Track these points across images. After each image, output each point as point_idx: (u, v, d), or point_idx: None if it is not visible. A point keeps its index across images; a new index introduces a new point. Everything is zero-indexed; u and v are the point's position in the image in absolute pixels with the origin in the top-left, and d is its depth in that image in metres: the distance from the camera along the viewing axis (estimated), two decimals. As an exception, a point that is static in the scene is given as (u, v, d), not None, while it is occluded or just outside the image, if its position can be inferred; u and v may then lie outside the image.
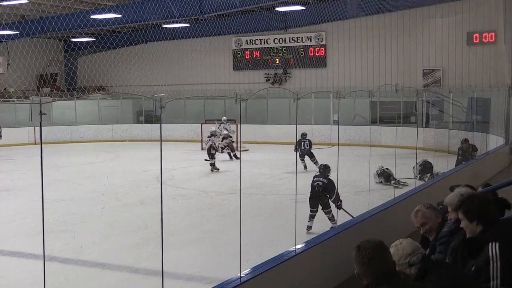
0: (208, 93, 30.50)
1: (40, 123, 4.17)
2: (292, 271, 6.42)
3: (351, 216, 9.17)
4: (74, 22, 24.26)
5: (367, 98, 24.66)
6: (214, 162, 18.89)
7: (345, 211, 10.03)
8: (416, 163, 15.68)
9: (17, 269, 8.78)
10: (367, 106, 25.85)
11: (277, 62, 30.21)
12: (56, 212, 11.81)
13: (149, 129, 30.05)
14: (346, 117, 25.38)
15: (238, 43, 31.01)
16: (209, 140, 19.51)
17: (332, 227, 10.14)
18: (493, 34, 24.50)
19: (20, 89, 29.15)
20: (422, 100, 24.26)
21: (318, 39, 29.12)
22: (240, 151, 17.83)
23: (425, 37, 26.20)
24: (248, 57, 30.88)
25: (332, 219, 10.35)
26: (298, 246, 6.78)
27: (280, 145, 24.27)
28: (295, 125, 20.22)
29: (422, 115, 24.56)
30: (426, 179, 15.01)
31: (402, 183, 14.83)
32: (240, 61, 31.12)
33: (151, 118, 31.04)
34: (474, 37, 24.99)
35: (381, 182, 15.41)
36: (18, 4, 22.25)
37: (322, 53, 29.14)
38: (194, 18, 25.46)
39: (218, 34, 28.23)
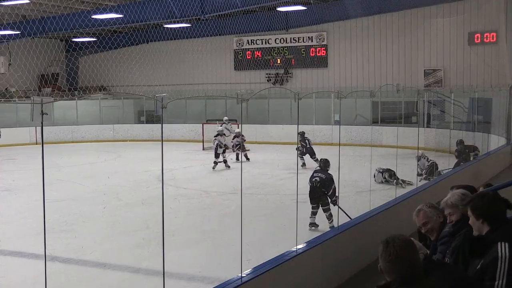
0: (210, 93, 30.50)
1: (42, 123, 4.17)
2: (293, 271, 6.42)
3: (349, 217, 9.11)
4: (75, 22, 24.28)
5: (368, 98, 24.72)
6: (226, 160, 19.33)
7: (341, 209, 10.00)
8: (427, 160, 15.75)
9: (18, 269, 8.79)
10: (368, 106, 25.87)
11: (278, 62, 30.20)
12: (57, 212, 11.82)
13: (150, 129, 30.05)
14: (348, 117, 25.37)
15: (239, 43, 31.01)
16: (215, 139, 19.66)
17: (330, 227, 10.16)
18: (494, 34, 24.48)
19: (22, 89, 29.17)
20: (424, 100, 24.24)
21: (320, 39, 29.11)
22: (241, 151, 17.87)
23: (426, 37, 26.18)
24: (250, 57, 30.87)
25: (329, 217, 10.37)
26: (299, 246, 6.78)
27: (281, 145, 24.27)
28: (297, 125, 20.22)
29: (424, 115, 24.54)
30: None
31: (408, 182, 14.82)
32: (242, 61, 31.11)
33: (152, 118, 31.04)
34: (476, 37, 24.97)
35: (385, 178, 15.37)
36: (19, 4, 22.25)
37: (323, 53, 29.13)
38: (195, 18, 25.45)
39: (219, 34, 28.25)
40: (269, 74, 30.55)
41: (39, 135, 26.65)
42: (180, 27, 28.44)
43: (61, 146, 26.51)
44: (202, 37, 29.41)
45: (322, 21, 28.10)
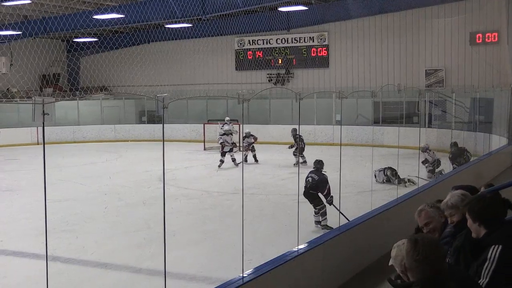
0: (211, 93, 30.52)
1: (43, 123, 4.18)
2: (294, 271, 6.42)
3: (345, 217, 9.05)
4: (76, 22, 24.32)
5: (370, 98, 24.69)
6: (234, 159, 19.58)
7: (336, 208, 9.97)
8: (434, 159, 15.82)
9: (20, 269, 8.79)
10: (369, 106, 25.85)
11: (280, 62, 30.21)
12: (58, 212, 11.83)
13: (152, 129, 30.06)
14: (349, 117, 25.38)
15: (240, 43, 31.02)
16: (220, 138, 20.01)
17: (323, 225, 10.17)
18: (496, 34, 24.47)
19: (23, 89, 29.19)
20: (425, 100, 24.24)
21: (321, 39, 29.11)
22: (243, 151, 17.86)
23: (427, 37, 26.18)
24: (251, 57, 30.87)
25: (322, 215, 10.35)
26: (301, 247, 6.78)
27: (283, 145, 24.24)
28: (298, 125, 20.22)
29: (425, 115, 24.54)
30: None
31: (412, 181, 14.82)
32: (243, 61, 31.11)
33: (153, 118, 31.07)
34: (477, 37, 24.96)
35: (386, 175, 15.38)
36: (21, 4, 22.29)
37: (325, 53, 29.13)
38: (197, 18, 25.47)
39: (221, 34, 28.26)
40: (271, 74, 30.55)
41: (40, 135, 26.68)
42: (181, 27, 28.44)
43: (63, 146, 26.54)
44: (203, 37, 29.42)
45: (324, 21, 28.10)
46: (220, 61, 31.60)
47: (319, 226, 10.48)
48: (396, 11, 26.70)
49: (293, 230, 9.17)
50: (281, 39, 30.00)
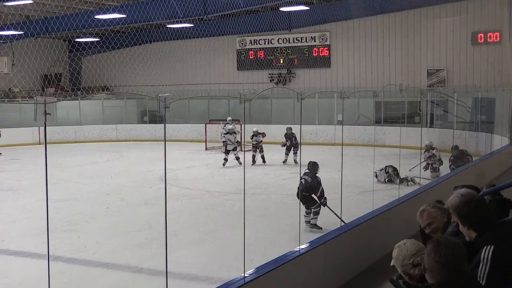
0: (212, 93, 30.53)
1: (45, 123, 4.18)
2: (296, 271, 6.42)
3: (340, 219, 8.96)
4: (78, 22, 24.32)
5: (371, 98, 24.70)
6: (238, 157, 19.70)
7: (331, 210, 9.96)
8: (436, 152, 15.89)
9: (22, 269, 8.80)
10: (371, 106, 25.85)
11: (281, 62, 30.20)
12: (60, 212, 11.84)
13: (153, 129, 30.09)
14: (350, 117, 25.38)
15: (242, 43, 31.02)
16: (223, 137, 20.28)
17: (312, 224, 10.14)
18: (497, 34, 24.44)
19: (25, 89, 29.23)
20: (427, 100, 24.21)
21: (322, 39, 29.10)
22: (244, 151, 17.82)
23: (429, 37, 26.16)
24: (252, 57, 30.87)
25: (314, 215, 10.29)
26: (302, 246, 6.78)
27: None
28: (299, 125, 20.21)
29: (427, 115, 24.52)
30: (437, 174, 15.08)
31: (415, 181, 14.84)
32: (244, 61, 31.11)
33: (155, 118, 31.09)
34: (479, 36, 24.93)
35: (387, 172, 15.39)
36: (23, 4, 22.30)
37: (326, 53, 29.12)
38: (198, 18, 25.47)
39: (222, 34, 28.26)
40: (272, 74, 30.55)
41: (42, 135, 26.68)
42: (183, 27, 28.45)
43: (64, 146, 26.54)
44: (205, 37, 29.39)
45: (325, 21, 28.09)
46: (222, 61, 31.61)
47: (309, 224, 10.49)
48: (397, 11, 26.67)
49: (294, 230, 9.18)
50: (283, 39, 30.00)
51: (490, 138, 19.79)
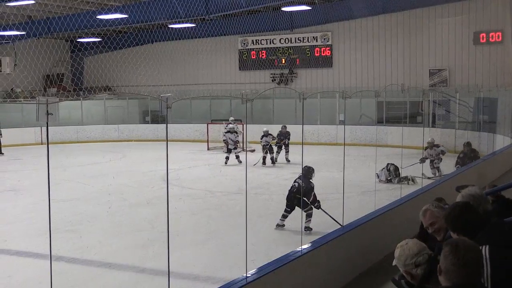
0: (214, 93, 30.54)
1: (47, 123, 4.18)
2: (298, 271, 6.42)
3: (337, 222, 8.90)
4: (80, 23, 24.36)
5: (373, 98, 24.67)
6: (238, 156, 19.97)
7: (326, 213, 9.86)
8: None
9: (24, 269, 8.81)
10: (373, 106, 25.83)
11: (283, 62, 30.20)
12: (62, 212, 11.84)
13: (155, 129, 30.09)
14: (352, 117, 25.36)
15: (244, 43, 31.02)
16: (224, 135, 20.61)
17: (306, 227, 10.07)
18: (500, 33, 24.42)
19: (27, 89, 29.25)
20: (429, 100, 24.21)
21: (324, 39, 29.10)
22: (246, 151, 17.85)
23: (431, 37, 26.14)
24: (254, 57, 30.88)
25: (307, 217, 10.21)
26: (304, 246, 6.77)
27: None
28: (301, 125, 20.19)
29: (429, 115, 24.50)
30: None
31: (415, 180, 14.87)
32: (246, 61, 31.13)
33: (157, 118, 31.10)
34: (481, 36, 24.92)
35: (389, 170, 15.40)
36: (25, 4, 22.32)
37: (328, 53, 29.12)
38: (200, 18, 25.48)
39: (224, 34, 28.25)
40: (274, 74, 30.55)
41: (44, 135, 26.72)
42: (184, 27, 28.46)
43: (66, 146, 26.57)
44: (206, 37, 29.42)
45: (327, 21, 28.09)
46: (224, 61, 31.62)
47: (280, 229, 10.53)
48: (399, 11, 26.66)
49: (296, 230, 9.17)
50: (285, 39, 30.00)
51: (492, 138, 19.76)
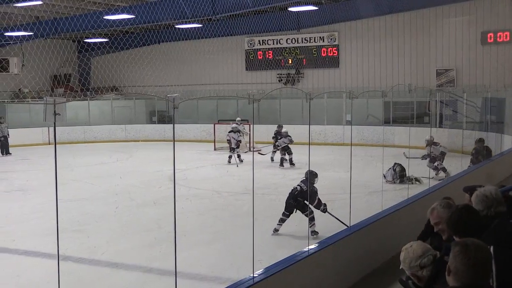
0: (221, 93, 30.55)
1: (54, 124, 4.20)
2: (305, 271, 6.41)
3: (344, 224, 8.83)
4: (87, 23, 24.42)
5: (380, 98, 24.62)
6: (239, 155, 20.23)
7: (333, 216, 9.73)
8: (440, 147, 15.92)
9: (32, 269, 8.84)
10: (380, 106, 25.77)
11: (290, 62, 30.19)
12: (70, 212, 11.88)
13: (162, 129, 30.13)
14: (359, 117, 25.32)
15: (250, 43, 31.03)
16: (228, 135, 20.85)
17: (312, 231, 9.84)
18: (507, 33, 24.33)
19: (35, 89, 29.37)
20: (436, 100, 24.14)
21: (331, 39, 29.06)
22: (253, 151, 17.84)
23: (438, 37, 26.07)
24: (261, 57, 30.89)
25: (310, 221, 9.92)
26: (311, 247, 6.77)
27: (293, 145, 24.22)
28: (308, 126, 20.18)
29: (436, 115, 24.43)
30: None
31: (419, 180, 14.85)
32: (253, 61, 31.13)
33: (164, 118, 31.15)
34: (489, 36, 24.83)
35: (394, 170, 15.39)
36: (33, 5, 22.41)
37: (335, 53, 29.09)
38: (207, 19, 25.50)
39: (231, 34, 28.27)
40: (281, 74, 30.54)
41: (52, 135, 26.82)
42: (191, 28, 28.50)
43: (74, 146, 26.65)
44: (213, 37, 29.43)
45: (334, 21, 28.04)
46: (230, 61, 31.63)
47: (276, 234, 10.34)
48: (406, 10, 26.59)
49: (303, 230, 9.16)
50: (291, 39, 29.99)
51: (500, 138, 19.68)
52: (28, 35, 25.84)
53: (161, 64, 30.31)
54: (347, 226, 8.06)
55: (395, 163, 15.69)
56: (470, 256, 2.94)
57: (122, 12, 23.76)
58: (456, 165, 16.00)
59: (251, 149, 21.41)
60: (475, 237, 3.71)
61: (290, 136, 19.45)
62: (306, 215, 9.96)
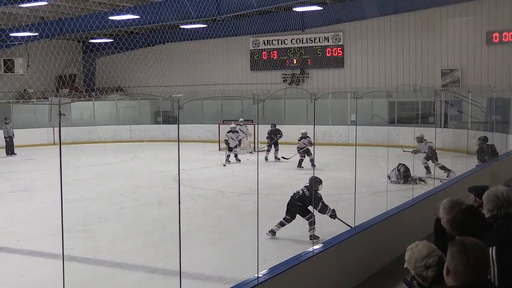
0: (226, 93, 30.54)
1: (59, 124, 4.21)
2: (309, 271, 6.41)
3: (349, 226, 8.78)
4: (92, 24, 24.47)
5: (385, 99, 24.60)
6: (236, 154, 20.87)
7: (341, 221, 9.46)
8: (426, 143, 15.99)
9: (37, 269, 8.86)
10: (385, 106, 25.75)
11: (295, 62, 30.17)
12: (74, 212, 11.90)
13: (167, 129, 30.15)
14: (364, 117, 25.30)
15: (255, 44, 31.02)
16: (227, 135, 21.18)
17: (311, 235, 9.66)
18: (513, 33, 24.25)
19: (40, 90, 29.42)
20: (441, 100, 24.07)
21: (336, 39, 29.03)
22: (258, 151, 17.82)
23: (443, 36, 26.00)
24: (266, 58, 30.88)
25: (310, 225, 9.78)
26: (316, 247, 6.77)
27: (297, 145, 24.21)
28: (313, 126, 20.16)
29: (441, 115, 24.37)
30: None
31: (422, 180, 14.86)
32: (258, 62, 31.12)
33: (168, 118, 31.17)
34: (494, 36, 24.75)
35: (399, 170, 15.39)
36: (38, 6, 22.47)
37: (340, 53, 29.05)
38: (212, 19, 25.52)
39: (236, 35, 28.27)
40: (285, 74, 30.53)
41: (57, 136, 26.87)
42: (196, 28, 28.51)
43: (79, 146, 26.69)
44: (218, 37, 29.46)
45: (338, 21, 28.02)
46: (235, 62, 31.64)
47: (270, 234, 10.10)
48: (411, 10, 26.53)
49: (308, 232, 9.16)
50: (296, 39, 29.97)
51: (505, 138, 19.63)
52: (33, 35, 25.90)
53: (166, 65, 30.33)
54: (351, 226, 8.06)
55: (399, 164, 15.68)
56: (469, 256, 2.94)
57: (127, 13, 23.80)
58: (461, 165, 15.96)
59: (256, 149, 21.42)
60: (478, 237, 3.71)
61: (309, 137, 19.04)
62: (307, 219, 9.90)
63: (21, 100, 29.88)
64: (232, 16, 25.07)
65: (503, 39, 24.52)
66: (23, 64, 28.23)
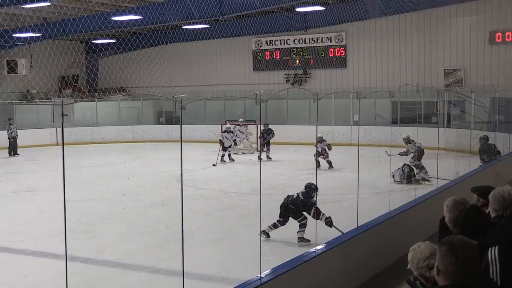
0: (228, 94, 30.54)
1: (62, 124, 4.21)
2: (312, 272, 6.40)
3: (341, 232, 8.66)
4: (95, 24, 24.50)
5: (388, 99, 24.59)
6: (230, 154, 21.47)
7: (337, 228, 9.31)
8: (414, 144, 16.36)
9: (40, 269, 8.88)
10: (387, 106, 25.73)
11: (297, 62, 30.16)
12: (77, 212, 11.91)
13: (170, 130, 30.17)
14: (367, 117, 25.27)
15: (258, 44, 31.02)
16: (222, 135, 21.64)
17: (299, 237, 9.65)
18: (516, 33, 24.21)
19: (42, 90, 29.48)
20: (444, 100, 24.05)
21: (338, 39, 29.02)
22: (260, 151, 17.84)
23: (446, 36, 25.97)
24: (268, 58, 30.87)
25: (300, 227, 9.71)
26: (319, 247, 6.76)
27: (300, 145, 24.22)
28: (315, 126, 20.18)
29: (444, 115, 24.34)
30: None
31: (427, 179, 14.86)
32: (260, 62, 31.12)
33: (171, 119, 31.19)
34: (497, 36, 24.71)
35: (403, 171, 15.37)
36: (41, 6, 22.50)
37: (342, 53, 29.03)
38: (214, 19, 25.52)
39: (238, 35, 28.29)
40: (288, 74, 30.52)
41: (59, 136, 26.91)
42: (198, 28, 28.52)
43: (81, 147, 26.74)
44: (220, 38, 29.47)
45: (341, 21, 28.00)
46: (238, 62, 31.64)
47: (263, 236, 9.74)
48: (414, 10, 26.51)
49: (311, 231, 9.15)
50: (299, 40, 29.96)
51: (508, 138, 19.59)
52: (36, 36, 25.94)
53: (168, 65, 30.35)
54: (342, 232, 7.97)
55: (405, 164, 15.67)
56: (458, 255, 2.95)
57: (130, 13, 23.81)
58: (464, 165, 15.94)
59: (258, 149, 21.43)
60: (481, 237, 3.71)
61: (325, 141, 18.92)
62: (298, 221, 9.85)
63: (24, 101, 29.93)
64: (235, 16, 25.06)
65: (506, 39, 24.49)
66: (26, 64, 28.26)
